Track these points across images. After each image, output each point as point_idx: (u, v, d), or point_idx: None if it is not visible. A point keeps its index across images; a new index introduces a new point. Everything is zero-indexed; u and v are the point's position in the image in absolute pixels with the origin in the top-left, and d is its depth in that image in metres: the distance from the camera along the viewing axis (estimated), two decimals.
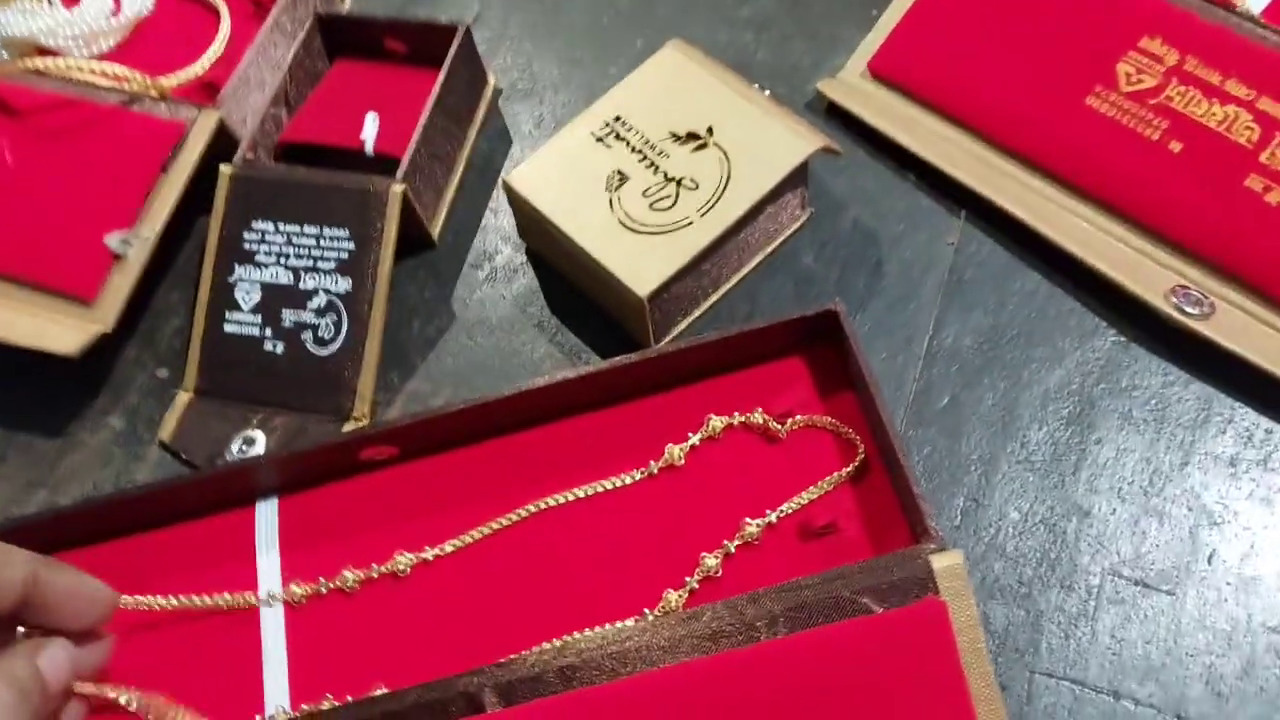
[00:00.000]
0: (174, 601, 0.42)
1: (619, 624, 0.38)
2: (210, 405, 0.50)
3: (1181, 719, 0.40)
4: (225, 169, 0.51)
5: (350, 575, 0.43)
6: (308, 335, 0.49)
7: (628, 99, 0.51)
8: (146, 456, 0.50)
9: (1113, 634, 0.42)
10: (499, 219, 0.55)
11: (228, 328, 0.50)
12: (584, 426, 0.46)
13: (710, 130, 0.49)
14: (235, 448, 0.48)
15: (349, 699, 0.40)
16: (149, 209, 0.51)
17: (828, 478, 0.43)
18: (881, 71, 0.55)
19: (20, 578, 0.35)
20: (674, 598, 0.41)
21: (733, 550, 0.42)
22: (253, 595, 0.43)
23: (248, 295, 0.50)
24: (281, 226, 0.50)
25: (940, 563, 0.38)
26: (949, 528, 0.44)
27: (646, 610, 0.41)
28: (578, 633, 0.38)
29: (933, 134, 0.53)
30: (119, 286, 0.49)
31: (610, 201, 0.48)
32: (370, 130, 0.53)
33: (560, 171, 0.49)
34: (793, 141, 0.48)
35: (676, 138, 0.50)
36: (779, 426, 0.44)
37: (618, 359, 0.44)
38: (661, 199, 0.48)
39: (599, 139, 0.50)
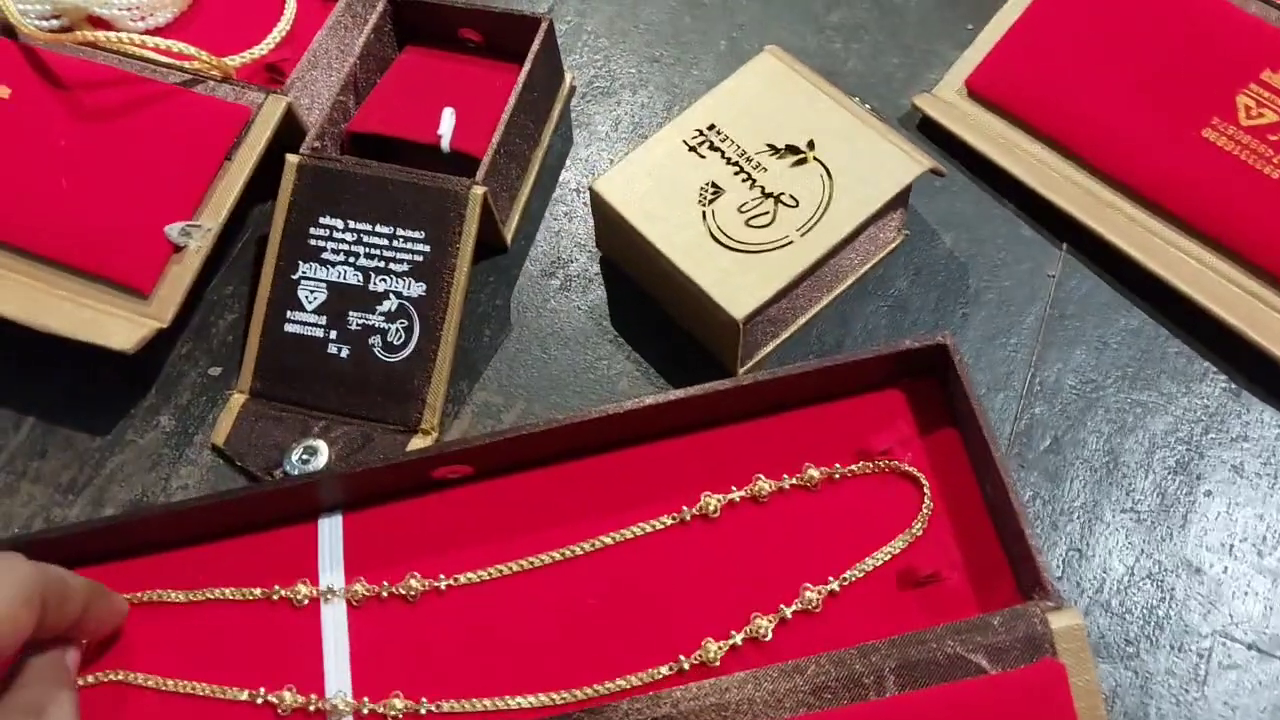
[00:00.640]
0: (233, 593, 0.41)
1: (721, 679, 0.35)
2: (267, 409, 0.47)
3: None
4: (292, 159, 0.48)
5: (415, 583, 0.41)
6: (376, 340, 0.46)
7: (722, 107, 0.48)
8: (198, 460, 0.47)
9: (1225, 701, 0.40)
10: (574, 224, 0.53)
11: (289, 328, 0.47)
12: (668, 452, 0.43)
13: (811, 144, 0.47)
14: (296, 457, 0.45)
15: None
16: (211, 198, 0.48)
17: (903, 533, 0.41)
18: (981, 89, 0.53)
19: (78, 611, 0.36)
20: (714, 649, 0.39)
21: (789, 615, 0.40)
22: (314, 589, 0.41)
23: (312, 294, 0.47)
24: (351, 224, 0.47)
25: (1059, 622, 0.36)
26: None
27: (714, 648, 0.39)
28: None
29: (1034, 158, 0.51)
30: (177, 280, 0.47)
31: (703, 215, 0.46)
32: (447, 126, 0.50)
33: (651, 180, 0.47)
34: (901, 161, 0.46)
35: (775, 150, 0.47)
36: (830, 473, 0.42)
37: (711, 385, 0.41)
38: (759, 215, 0.45)
39: (691, 148, 0.47)
